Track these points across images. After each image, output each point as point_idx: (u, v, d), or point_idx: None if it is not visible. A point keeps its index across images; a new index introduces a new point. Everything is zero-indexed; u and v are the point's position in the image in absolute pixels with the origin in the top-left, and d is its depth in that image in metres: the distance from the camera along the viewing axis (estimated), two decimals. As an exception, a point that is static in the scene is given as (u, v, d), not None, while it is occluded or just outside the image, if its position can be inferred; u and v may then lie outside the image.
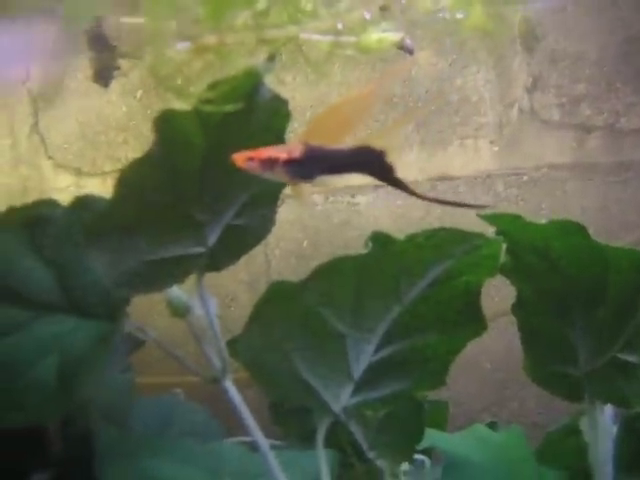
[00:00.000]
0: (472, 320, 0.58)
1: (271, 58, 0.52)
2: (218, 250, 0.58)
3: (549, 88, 1.35)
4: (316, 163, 0.50)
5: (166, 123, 0.52)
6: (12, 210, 0.56)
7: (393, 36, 0.52)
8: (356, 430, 0.65)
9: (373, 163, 0.48)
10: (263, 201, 0.61)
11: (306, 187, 0.52)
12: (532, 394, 1.28)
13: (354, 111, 0.49)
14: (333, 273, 0.54)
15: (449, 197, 1.40)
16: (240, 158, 0.50)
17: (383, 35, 0.51)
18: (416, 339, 0.57)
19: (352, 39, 0.50)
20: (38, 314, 0.55)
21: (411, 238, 0.55)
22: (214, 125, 0.54)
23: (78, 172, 1.46)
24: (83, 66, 1.29)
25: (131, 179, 0.52)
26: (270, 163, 0.50)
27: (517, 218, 0.59)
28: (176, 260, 0.55)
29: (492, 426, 0.73)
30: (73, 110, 1.45)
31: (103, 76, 0.89)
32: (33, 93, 1.46)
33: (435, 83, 1.38)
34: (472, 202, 1.41)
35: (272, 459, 0.54)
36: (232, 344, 0.60)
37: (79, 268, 0.56)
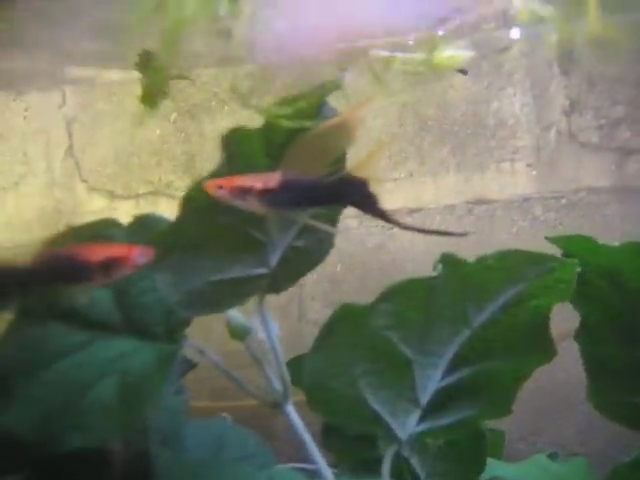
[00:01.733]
0: (541, 346, 0.56)
1: (342, 71, 0.51)
2: (279, 271, 0.57)
3: (587, 110, 1.34)
4: (293, 194, 0.48)
5: (232, 142, 0.51)
6: (73, 229, 0.55)
7: (464, 54, 0.51)
8: (413, 457, 0.63)
9: (356, 194, 0.47)
10: (323, 223, 0.60)
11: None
12: (571, 423, 1.24)
13: (331, 141, 0.48)
14: (402, 295, 0.52)
15: (486, 221, 1.39)
16: (211, 186, 0.49)
17: (454, 53, 0.50)
18: (483, 365, 0.55)
19: (422, 55, 0.49)
20: (98, 334, 0.54)
21: (481, 260, 0.53)
22: (278, 144, 0.53)
23: (111, 195, 1.47)
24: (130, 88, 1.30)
25: (197, 199, 0.51)
26: (242, 192, 0.48)
27: (587, 240, 0.57)
28: (239, 281, 0.54)
29: (552, 457, 0.71)
30: (107, 133, 1.46)
31: (152, 97, 0.89)
32: (68, 117, 1.48)
33: (470, 106, 1.37)
34: (509, 226, 1.39)
35: (336, 488, 0.52)
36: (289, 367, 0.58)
37: (138, 289, 0.55)
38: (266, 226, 0.55)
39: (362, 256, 1.35)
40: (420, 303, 0.53)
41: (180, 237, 0.52)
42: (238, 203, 0.49)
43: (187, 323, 0.55)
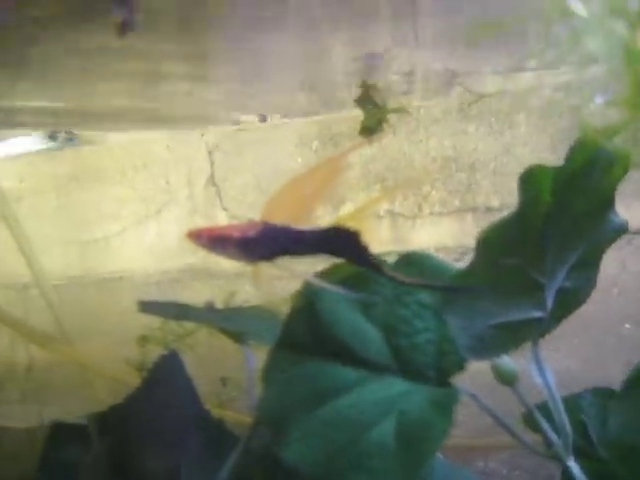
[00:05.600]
0: None
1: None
2: (550, 314, 0.54)
3: None
4: (275, 243, 0.46)
5: (525, 180, 0.50)
6: (339, 266, 0.55)
7: None
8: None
9: (346, 245, 0.44)
10: (589, 262, 0.57)
11: (266, 268, 0.47)
12: None
13: (316, 187, 0.46)
14: None
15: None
16: (191, 234, 0.48)
17: None
18: None
19: None
20: (369, 374, 0.53)
21: None
22: (563, 181, 0.51)
23: (252, 223, 1.48)
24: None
25: (489, 241, 0.49)
26: (221, 241, 0.47)
27: None
28: (518, 325, 0.52)
29: None
30: (248, 161, 1.49)
31: (370, 130, 0.91)
32: (209, 145, 1.51)
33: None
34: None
35: None
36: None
37: (411, 328, 0.54)
38: (544, 267, 0.53)
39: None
40: None
41: (472, 280, 0.50)
42: (219, 253, 0.48)
43: (461, 367, 0.53)
